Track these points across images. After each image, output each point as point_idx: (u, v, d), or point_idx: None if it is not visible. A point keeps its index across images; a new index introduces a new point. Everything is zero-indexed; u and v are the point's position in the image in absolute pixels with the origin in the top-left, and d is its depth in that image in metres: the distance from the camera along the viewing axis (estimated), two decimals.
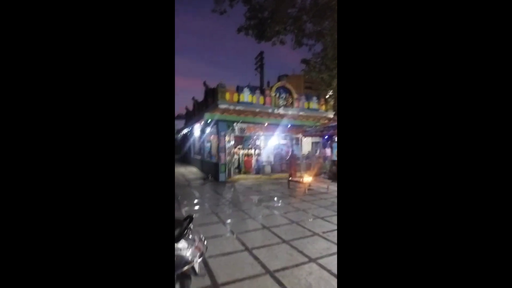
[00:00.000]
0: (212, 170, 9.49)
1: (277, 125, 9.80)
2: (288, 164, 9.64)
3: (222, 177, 8.85)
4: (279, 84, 10.75)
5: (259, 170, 9.98)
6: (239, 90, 9.75)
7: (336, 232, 3.46)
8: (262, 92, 10.31)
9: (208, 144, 11.30)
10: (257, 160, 10.13)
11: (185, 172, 11.54)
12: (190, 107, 16.27)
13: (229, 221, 4.20)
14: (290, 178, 7.55)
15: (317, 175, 9.53)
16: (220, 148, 8.97)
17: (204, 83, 11.73)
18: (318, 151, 11.41)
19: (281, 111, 10.50)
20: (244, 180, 9.11)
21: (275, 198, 5.97)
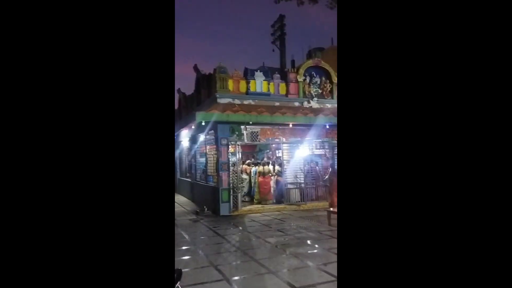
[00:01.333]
0: (209, 199, 9.60)
1: (308, 125, 9.88)
2: (328, 186, 9.51)
3: (224, 209, 8.93)
4: (309, 63, 10.86)
5: (282, 196, 9.99)
6: (248, 75, 9.92)
7: None
8: (284, 77, 10.44)
9: (202, 159, 11.45)
10: (277, 182, 10.15)
11: None
12: (175, 104, 16.70)
13: (236, 278, 4.23)
14: (331, 209, 7.50)
15: None
16: (220, 165, 9.08)
17: (195, 68, 12.03)
18: None
19: (314, 103, 10.54)
20: (259, 213, 9.12)
21: (308, 241, 5.95)
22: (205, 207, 9.46)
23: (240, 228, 7.38)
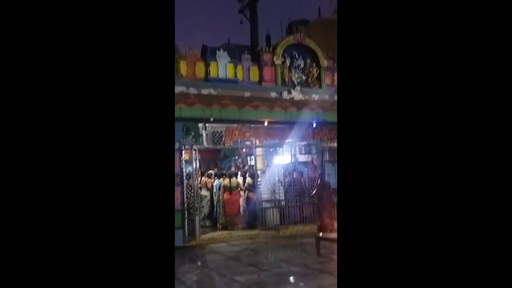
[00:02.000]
0: None
1: (289, 123, 9.96)
2: (317, 203, 9.56)
3: (176, 238, 8.58)
4: (290, 40, 10.98)
5: (255, 219, 10.03)
6: (207, 54, 9.91)
7: None
8: (256, 58, 10.50)
9: None
10: (249, 199, 10.20)
11: None
12: None
13: None
14: (321, 234, 7.60)
15: None
16: None
17: None
18: None
19: (296, 94, 10.64)
20: (224, 242, 9.13)
21: (291, 278, 6.04)
22: None
23: (199, 263, 7.35)
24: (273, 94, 10.43)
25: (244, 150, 11.70)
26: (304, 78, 10.89)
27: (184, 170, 9.13)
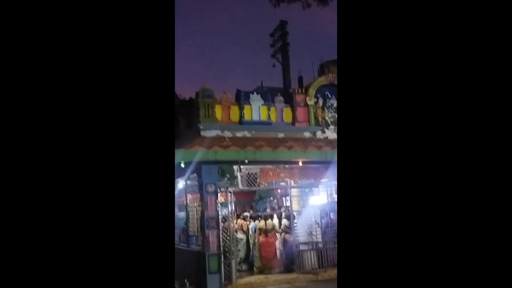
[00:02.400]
0: (192, 269, 9.49)
1: (324, 163, 9.96)
2: None
3: (213, 283, 8.81)
4: (322, 80, 11.17)
5: (292, 262, 9.91)
6: (241, 98, 10.20)
7: None
8: (289, 99, 10.69)
9: (181, 214, 11.48)
10: (285, 242, 10.13)
11: None
12: None
13: None
14: None
15: None
16: (206, 220, 9.10)
17: None
18: None
19: (330, 133, 10.71)
20: (261, 286, 9.00)
21: None
22: (186, 281, 9.19)
23: None
24: (307, 134, 10.53)
25: (279, 191, 11.65)
26: (337, 117, 10.83)
27: (219, 213, 9.16)
